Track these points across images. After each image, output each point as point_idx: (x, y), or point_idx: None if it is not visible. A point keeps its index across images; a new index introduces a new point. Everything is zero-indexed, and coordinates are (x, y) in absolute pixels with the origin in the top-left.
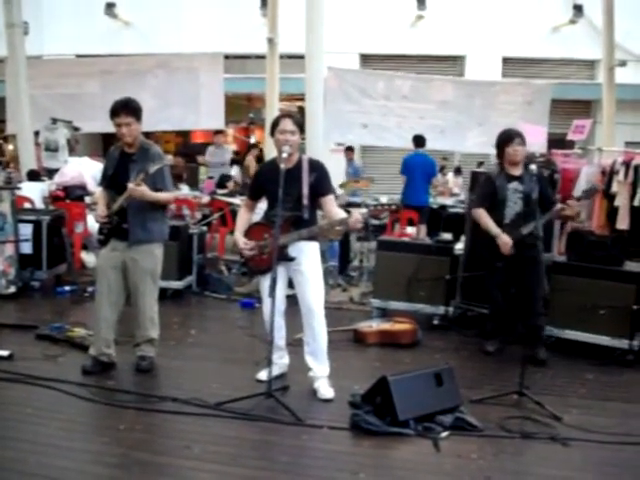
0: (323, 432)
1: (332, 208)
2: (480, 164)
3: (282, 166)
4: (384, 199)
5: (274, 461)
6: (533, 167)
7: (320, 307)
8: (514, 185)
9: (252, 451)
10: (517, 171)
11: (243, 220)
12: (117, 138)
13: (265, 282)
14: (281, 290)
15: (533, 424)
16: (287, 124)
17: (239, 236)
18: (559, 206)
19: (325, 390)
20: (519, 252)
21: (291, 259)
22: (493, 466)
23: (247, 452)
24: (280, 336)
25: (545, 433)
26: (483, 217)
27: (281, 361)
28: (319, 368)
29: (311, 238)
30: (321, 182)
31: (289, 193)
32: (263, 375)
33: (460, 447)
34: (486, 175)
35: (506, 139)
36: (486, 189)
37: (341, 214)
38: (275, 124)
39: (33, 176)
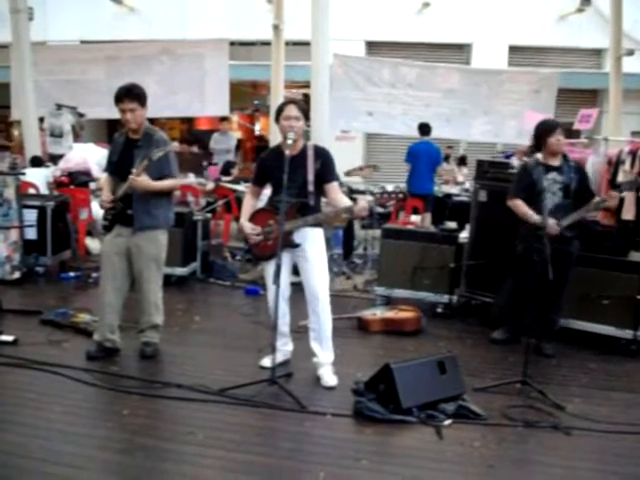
0: (326, 419)
1: (336, 195)
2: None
3: (287, 152)
4: (390, 187)
5: (277, 447)
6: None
7: (325, 293)
8: (553, 175)
9: (255, 437)
10: (556, 162)
11: (248, 206)
12: (122, 124)
13: (270, 268)
14: (285, 277)
15: (536, 413)
16: (292, 110)
17: (245, 222)
18: (597, 198)
19: (329, 377)
20: (555, 245)
21: (296, 245)
22: (496, 454)
23: (250, 438)
24: (284, 322)
25: (548, 422)
26: (520, 207)
27: (285, 348)
28: (323, 355)
29: (316, 224)
30: (326, 169)
31: (294, 179)
32: (267, 362)
33: (463, 435)
34: (523, 166)
35: (548, 129)
36: (523, 180)
37: (346, 201)
38: (280, 110)
39: (36, 162)
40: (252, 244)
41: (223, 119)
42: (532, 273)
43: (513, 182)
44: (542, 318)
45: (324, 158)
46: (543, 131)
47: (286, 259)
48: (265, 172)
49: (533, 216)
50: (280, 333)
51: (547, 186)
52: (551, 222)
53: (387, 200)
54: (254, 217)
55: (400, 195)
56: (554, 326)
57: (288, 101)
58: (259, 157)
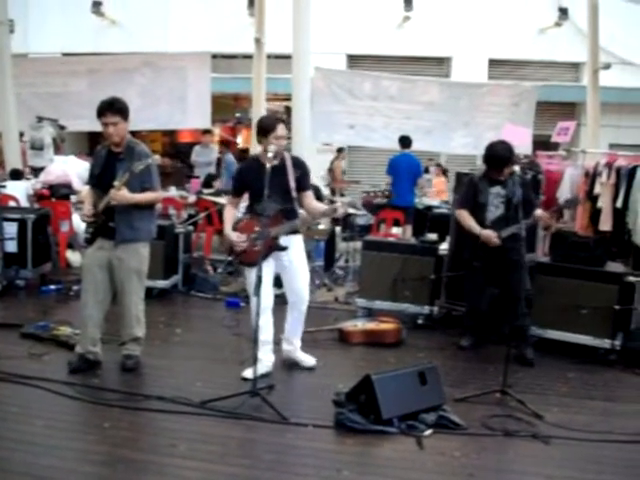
0: (308, 430)
1: (311, 202)
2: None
3: (268, 165)
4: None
5: (259, 459)
6: (516, 169)
7: (307, 293)
8: (496, 189)
9: (237, 449)
10: (501, 176)
11: (231, 216)
12: (104, 137)
13: (253, 277)
14: (268, 286)
15: (515, 422)
16: (283, 130)
17: (230, 231)
18: (537, 213)
19: (307, 358)
20: (500, 255)
21: (283, 248)
22: (476, 464)
23: (232, 450)
24: (267, 333)
25: (527, 431)
26: (464, 217)
27: (267, 359)
28: (298, 341)
29: (295, 232)
30: (305, 178)
31: (275, 187)
32: (248, 373)
33: (443, 445)
34: (469, 178)
35: (497, 164)
36: (468, 192)
37: (322, 206)
38: (271, 128)
39: (16, 175)
40: (239, 252)
41: (205, 132)
42: (478, 278)
43: (461, 193)
44: (511, 327)
45: (302, 168)
46: (491, 163)
47: (268, 269)
48: (244, 182)
49: (475, 228)
50: (262, 344)
51: (491, 199)
52: (491, 234)
53: (374, 198)
54: (238, 226)
55: (386, 192)
56: (526, 331)
57: (278, 119)
58: (237, 169)
